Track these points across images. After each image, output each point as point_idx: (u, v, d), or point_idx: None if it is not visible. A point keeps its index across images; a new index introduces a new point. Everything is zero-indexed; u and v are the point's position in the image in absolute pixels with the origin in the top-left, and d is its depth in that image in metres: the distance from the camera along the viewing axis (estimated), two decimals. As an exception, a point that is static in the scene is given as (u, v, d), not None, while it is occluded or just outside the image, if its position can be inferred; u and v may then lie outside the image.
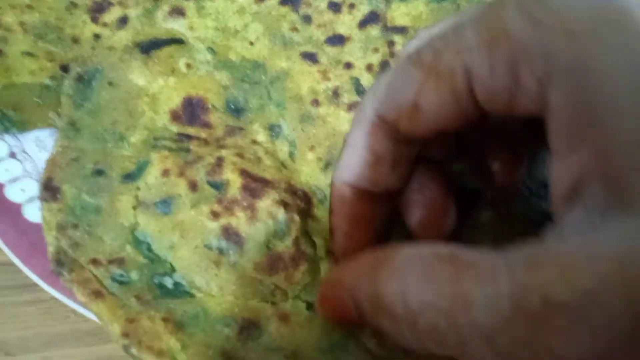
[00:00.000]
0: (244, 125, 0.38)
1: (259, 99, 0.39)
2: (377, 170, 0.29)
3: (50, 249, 0.33)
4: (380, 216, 0.31)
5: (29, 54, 0.39)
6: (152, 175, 0.35)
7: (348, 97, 0.39)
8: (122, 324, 0.31)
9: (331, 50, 0.41)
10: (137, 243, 0.33)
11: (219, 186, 0.34)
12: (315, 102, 0.39)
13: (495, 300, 0.20)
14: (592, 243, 0.20)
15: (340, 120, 0.38)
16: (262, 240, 0.33)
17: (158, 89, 0.38)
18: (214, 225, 0.33)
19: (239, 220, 0.33)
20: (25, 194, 0.37)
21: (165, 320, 0.31)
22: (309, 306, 0.33)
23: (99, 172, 0.35)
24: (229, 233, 0.33)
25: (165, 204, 0.34)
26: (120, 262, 0.33)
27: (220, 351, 0.31)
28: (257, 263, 0.33)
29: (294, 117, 0.39)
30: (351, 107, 0.39)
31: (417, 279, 0.23)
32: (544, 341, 0.19)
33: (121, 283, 0.32)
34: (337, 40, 0.41)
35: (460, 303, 0.21)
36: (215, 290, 0.32)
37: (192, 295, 0.32)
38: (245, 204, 0.33)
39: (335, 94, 0.39)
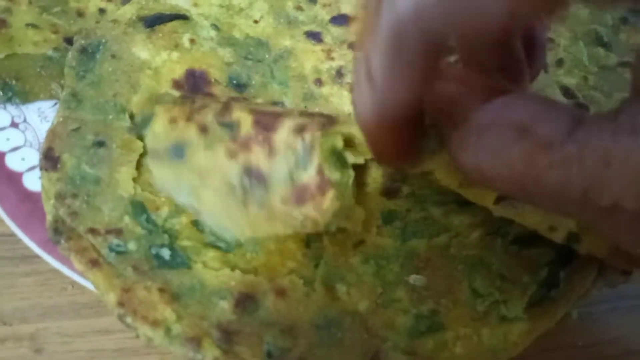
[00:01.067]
0: (247, 97, 0.38)
1: (261, 76, 0.39)
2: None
3: (49, 218, 0.33)
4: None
5: (33, 26, 0.39)
6: (159, 124, 0.35)
7: (352, 77, 0.39)
8: (118, 293, 0.31)
9: (336, 30, 0.41)
10: (136, 214, 0.33)
11: (230, 126, 0.33)
12: (319, 82, 0.39)
13: (566, 186, 0.20)
14: None
15: (344, 100, 0.38)
16: (284, 174, 0.32)
17: (161, 62, 0.38)
18: (233, 165, 0.33)
19: (258, 156, 0.32)
20: (25, 162, 0.37)
21: (161, 290, 0.31)
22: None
23: (100, 144, 0.35)
24: (250, 171, 0.33)
25: (178, 150, 0.34)
26: (118, 232, 0.33)
27: (216, 323, 0.31)
28: (284, 197, 0.32)
29: (297, 95, 0.38)
30: None
31: (490, 152, 0.22)
32: (610, 233, 0.21)
33: (118, 253, 0.32)
34: (342, 20, 0.41)
35: (533, 182, 0.21)
36: (247, 231, 0.32)
37: (189, 267, 0.32)
38: (260, 138, 0.33)
39: (339, 73, 0.39)
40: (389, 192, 0.36)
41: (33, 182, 0.36)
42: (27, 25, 0.39)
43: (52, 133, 0.35)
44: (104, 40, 0.38)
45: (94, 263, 0.32)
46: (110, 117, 0.36)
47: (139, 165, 0.35)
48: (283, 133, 0.32)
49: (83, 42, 0.38)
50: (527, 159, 0.21)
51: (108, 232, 0.33)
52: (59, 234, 0.32)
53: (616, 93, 0.40)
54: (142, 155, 0.35)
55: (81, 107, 0.36)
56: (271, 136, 0.32)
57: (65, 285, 0.38)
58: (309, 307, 0.32)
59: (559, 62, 0.41)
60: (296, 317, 0.31)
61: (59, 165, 0.34)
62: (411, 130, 0.26)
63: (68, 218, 0.33)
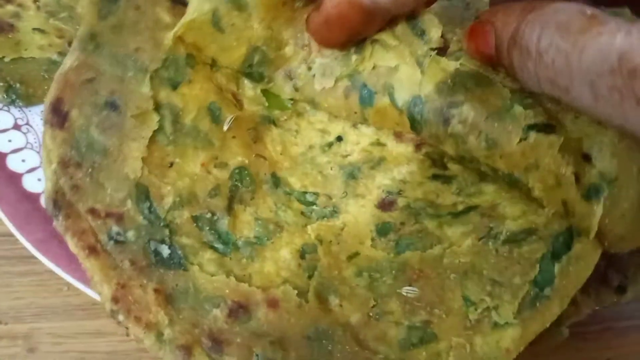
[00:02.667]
0: None
1: None
2: None
3: (48, 185, 0.32)
4: (367, 31, 0.35)
5: (40, 31, 0.40)
6: None
7: None
8: (113, 287, 0.31)
9: None
10: (139, 200, 0.33)
11: None
12: None
13: (606, 51, 0.25)
14: None
15: None
16: None
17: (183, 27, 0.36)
18: None
19: None
20: (25, 164, 0.37)
21: (156, 291, 0.31)
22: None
23: (113, 106, 0.33)
24: None
25: None
26: (118, 217, 0.32)
27: (207, 332, 0.31)
28: None
29: None
30: None
31: (555, 24, 0.27)
32: (634, 90, 0.24)
33: (117, 242, 0.32)
34: None
35: (579, 48, 0.25)
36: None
37: (185, 269, 0.32)
38: None
39: None
40: (383, 205, 0.36)
41: (32, 183, 0.37)
42: (34, 29, 0.40)
43: (64, 79, 0.33)
44: None
45: (92, 250, 0.31)
46: (130, 74, 0.34)
47: (150, 142, 0.34)
48: None
49: None
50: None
51: (108, 215, 0.32)
52: (58, 208, 0.31)
53: None
54: (156, 131, 0.34)
55: (99, 52, 0.34)
56: None
57: (61, 286, 0.38)
58: (300, 318, 0.32)
59: None
60: (287, 329, 0.31)
61: (67, 124, 0.33)
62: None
63: (69, 191, 0.32)
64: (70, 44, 0.39)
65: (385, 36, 0.34)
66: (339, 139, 0.38)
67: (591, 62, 0.25)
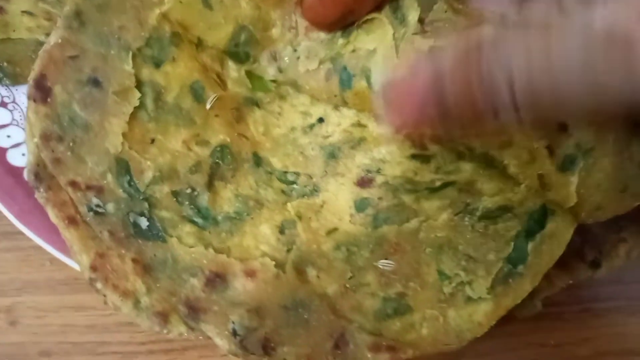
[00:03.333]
0: None
1: None
2: None
3: (30, 158, 0.32)
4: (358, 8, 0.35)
5: (28, 13, 0.40)
6: None
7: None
8: (92, 257, 0.31)
9: None
10: (119, 174, 0.33)
11: None
12: None
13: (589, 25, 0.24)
14: None
15: None
16: None
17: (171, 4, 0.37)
18: None
19: None
20: (10, 139, 0.38)
21: (134, 261, 0.31)
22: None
23: (95, 82, 0.34)
24: None
25: None
26: (99, 190, 0.33)
27: (184, 300, 0.31)
28: None
29: None
30: None
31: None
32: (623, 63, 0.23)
33: (97, 213, 0.32)
34: None
35: (554, 39, 0.24)
36: None
37: (164, 240, 0.33)
38: None
39: None
40: (362, 183, 0.36)
41: (16, 158, 0.37)
42: (23, 12, 0.40)
43: (48, 55, 0.34)
44: None
45: (71, 221, 0.32)
46: (112, 52, 0.35)
47: (132, 119, 0.34)
48: None
49: None
50: None
51: (89, 187, 0.32)
52: (39, 180, 0.32)
53: None
54: (137, 107, 0.35)
55: (83, 30, 0.35)
56: None
57: (44, 262, 0.39)
58: (278, 288, 0.32)
59: None
60: (264, 298, 0.32)
61: (49, 99, 0.33)
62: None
63: (50, 164, 0.32)
64: (57, 26, 0.40)
65: (369, 20, 0.35)
66: (321, 120, 0.39)
67: (575, 46, 0.24)
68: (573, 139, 0.31)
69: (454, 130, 0.31)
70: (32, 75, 0.33)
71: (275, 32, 0.37)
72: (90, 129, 0.33)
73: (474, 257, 0.32)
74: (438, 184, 0.35)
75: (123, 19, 0.35)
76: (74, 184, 0.32)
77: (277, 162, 0.38)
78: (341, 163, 0.37)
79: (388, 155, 0.37)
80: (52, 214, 0.32)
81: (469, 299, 0.32)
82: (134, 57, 0.35)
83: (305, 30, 0.36)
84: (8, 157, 0.37)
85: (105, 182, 0.33)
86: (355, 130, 0.38)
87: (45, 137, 0.32)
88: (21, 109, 0.39)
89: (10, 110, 0.39)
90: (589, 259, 0.35)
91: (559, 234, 0.32)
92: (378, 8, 0.35)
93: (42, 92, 0.33)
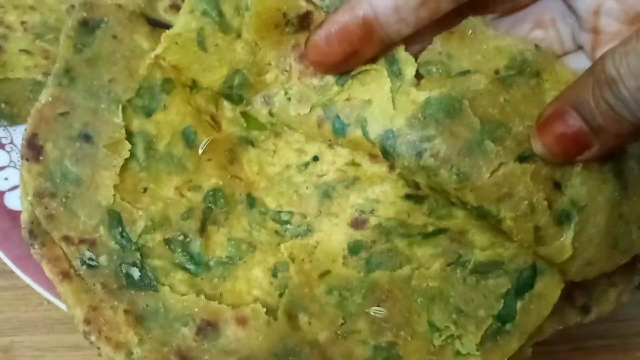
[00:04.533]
0: None
1: None
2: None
3: (24, 216, 0.33)
4: (363, 51, 0.35)
5: (26, 52, 0.41)
6: None
7: None
8: (85, 310, 0.32)
9: None
10: (112, 226, 0.34)
11: None
12: None
13: None
14: None
15: None
16: None
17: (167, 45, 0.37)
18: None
19: None
20: (8, 182, 0.39)
21: (126, 312, 0.32)
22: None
23: (86, 137, 0.34)
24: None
25: None
26: (91, 243, 0.33)
27: (176, 350, 0.32)
28: None
29: None
30: None
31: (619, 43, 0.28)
32: None
33: (89, 266, 0.33)
34: None
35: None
36: None
37: (156, 289, 0.33)
38: None
39: None
40: (356, 224, 0.37)
41: (14, 201, 0.38)
42: (21, 51, 0.41)
43: (39, 114, 0.34)
44: (106, 19, 0.37)
45: (65, 275, 0.32)
46: (103, 106, 0.35)
47: (123, 170, 0.35)
48: None
49: (85, 14, 0.36)
50: None
51: (82, 241, 0.33)
52: (34, 237, 0.33)
53: None
54: (128, 159, 0.35)
55: (73, 86, 0.35)
56: None
57: (41, 301, 0.39)
58: (269, 336, 0.32)
59: None
60: (255, 347, 0.32)
61: (41, 157, 0.34)
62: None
63: (44, 220, 0.33)
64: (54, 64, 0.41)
65: (365, 70, 0.35)
66: (315, 158, 0.39)
67: None
68: (567, 197, 0.32)
69: None
70: (25, 135, 0.34)
71: (269, 77, 0.37)
72: (81, 184, 0.34)
73: (465, 311, 0.33)
74: (431, 229, 0.36)
75: (113, 70, 0.36)
76: (67, 239, 0.33)
77: (271, 202, 0.38)
78: (335, 203, 0.38)
79: (381, 195, 0.38)
80: (47, 269, 0.32)
81: (458, 354, 0.32)
82: (124, 108, 0.35)
83: (298, 74, 0.37)
84: (5, 200, 0.38)
85: (97, 235, 0.33)
86: (349, 169, 0.39)
87: (39, 195, 0.33)
88: (19, 150, 0.40)
89: (8, 152, 0.40)
90: (578, 304, 0.36)
91: (547, 294, 0.33)
92: (373, 60, 0.35)
93: (34, 150, 0.33)
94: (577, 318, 0.36)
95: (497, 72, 0.34)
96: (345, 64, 0.35)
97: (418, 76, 0.34)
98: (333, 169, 0.39)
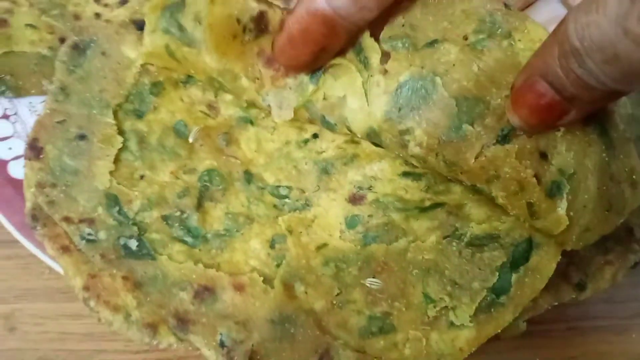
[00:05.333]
0: None
1: None
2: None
3: (28, 205, 0.35)
4: (330, 45, 0.34)
5: (32, 26, 0.42)
6: None
7: None
8: (84, 278, 0.32)
9: None
10: (109, 206, 0.35)
11: None
12: None
13: None
14: None
15: None
16: None
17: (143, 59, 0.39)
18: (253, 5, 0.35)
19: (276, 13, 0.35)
20: (12, 151, 0.39)
21: (125, 278, 0.33)
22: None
23: (82, 137, 0.37)
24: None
25: None
26: (90, 221, 0.34)
27: (173, 312, 0.32)
28: None
29: None
30: None
31: (580, 13, 0.26)
32: None
33: (89, 241, 0.34)
34: None
35: (602, 9, 0.25)
36: None
37: (153, 258, 0.34)
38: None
39: None
40: (354, 199, 0.37)
41: (17, 170, 0.39)
42: (26, 25, 0.41)
43: (39, 124, 0.37)
44: (95, 38, 0.40)
45: (65, 249, 0.33)
46: (95, 111, 0.38)
47: (116, 160, 0.36)
48: None
49: (76, 38, 0.40)
50: None
51: (81, 221, 0.34)
52: (36, 220, 0.34)
53: None
54: (121, 150, 0.37)
55: (68, 100, 0.38)
56: None
57: (43, 270, 0.40)
58: (265, 303, 0.33)
59: None
60: (252, 312, 0.33)
61: (42, 156, 0.36)
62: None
63: (46, 206, 0.34)
64: (60, 39, 0.41)
65: (336, 64, 0.35)
66: (315, 136, 0.40)
67: (615, 11, 0.25)
68: (555, 166, 0.31)
69: None
70: (27, 141, 0.37)
71: (244, 82, 0.38)
72: (79, 174, 0.36)
73: (460, 283, 0.33)
74: (428, 203, 0.36)
75: (103, 83, 0.39)
76: (67, 219, 0.34)
77: (269, 177, 0.39)
78: (334, 179, 0.38)
79: (380, 173, 0.38)
80: (48, 247, 0.34)
81: (452, 325, 0.33)
82: (115, 112, 0.38)
83: (271, 80, 0.37)
84: (9, 169, 0.39)
85: (96, 214, 0.35)
86: (348, 147, 0.39)
87: (40, 185, 0.35)
88: (23, 121, 0.41)
89: (12, 123, 0.40)
90: (574, 281, 0.36)
91: (542, 268, 0.33)
92: (342, 52, 0.34)
93: (35, 151, 0.36)
94: (573, 294, 0.36)
95: (465, 37, 0.33)
96: (315, 61, 0.34)
97: (385, 55, 0.33)
98: (332, 147, 0.39)
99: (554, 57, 0.28)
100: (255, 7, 0.35)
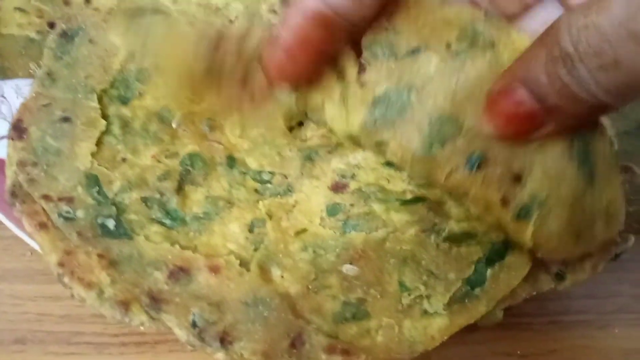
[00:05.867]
0: None
1: None
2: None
3: (8, 182, 0.35)
4: (331, 50, 0.32)
5: (21, 10, 0.42)
6: None
7: None
8: (60, 255, 0.33)
9: None
10: (89, 186, 0.35)
11: None
12: None
13: None
14: None
15: None
16: None
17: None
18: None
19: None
20: (-5, 132, 0.40)
21: (100, 256, 0.33)
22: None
23: (65, 119, 0.37)
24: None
25: None
26: (69, 200, 0.34)
27: (147, 291, 0.32)
28: None
29: None
30: None
31: (576, 17, 0.25)
32: None
33: (66, 219, 0.34)
34: None
35: (604, 11, 0.24)
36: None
37: (130, 238, 0.34)
38: None
39: None
40: (336, 187, 0.37)
41: (1, 150, 0.39)
42: (15, 8, 0.42)
43: (24, 107, 0.37)
44: (83, 26, 0.41)
45: (42, 226, 0.33)
46: (80, 96, 0.38)
47: (99, 143, 0.37)
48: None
49: (64, 26, 0.40)
50: None
51: (60, 199, 0.34)
52: (15, 197, 0.34)
53: None
54: (104, 133, 0.37)
55: (54, 85, 0.38)
56: None
57: (24, 252, 0.40)
58: (240, 285, 0.33)
59: None
60: (226, 294, 0.33)
61: (25, 136, 0.36)
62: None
63: (26, 184, 0.35)
64: (48, 24, 0.42)
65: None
66: (300, 124, 0.40)
67: (623, 12, 0.23)
68: (527, 190, 0.30)
69: None
70: (11, 122, 0.37)
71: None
72: (61, 154, 0.36)
73: (435, 273, 0.33)
74: (409, 196, 0.36)
75: (89, 69, 0.40)
76: (46, 197, 0.34)
77: (252, 162, 0.39)
78: (317, 166, 0.38)
79: (363, 161, 0.38)
80: (26, 223, 0.34)
81: (425, 313, 0.33)
82: (100, 97, 0.39)
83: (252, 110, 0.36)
84: (-8, 149, 0.39)
85: (75, 193, 0.35)
86: (333, 136, 0.39)
87: (22, 164, 0.35)
88: (9, 103, 0.41)
89: (-2, 104, 0.41)
90: (553, 271, 0.36)
91: (517, 267, 0.34)
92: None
93: (18, 131, 0.37)
94: (551, 284, 0.36)
95: (448, 45, 0.31)
96: (316, 72, 0.32)
97: (362, 66, 0.32)
98: (317, 135, 0.40)
99: (540, 63, 0.26)
100: (211, 35, 0.34)
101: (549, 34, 0.26)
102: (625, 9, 0.23)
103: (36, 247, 0.37)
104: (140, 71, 0.40)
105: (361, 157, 0.38)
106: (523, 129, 0.28)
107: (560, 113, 0.27)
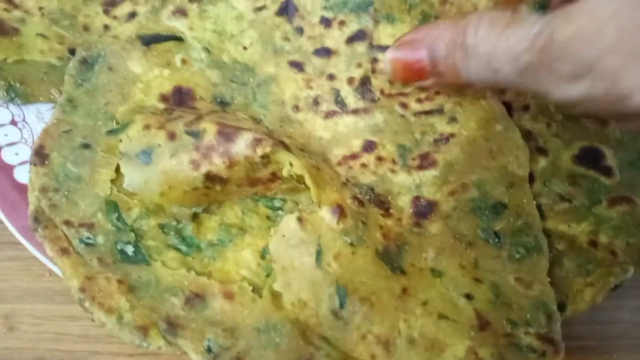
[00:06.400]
0: (229, 111, 0.41)
1: (244, 98, 0.42)
2: None
3: (31, 207, 0.36)
4: None
5: (42, 36, 0.43)
6: (134, 129, 0.38)
7: (327, 106, 0.42)
8: (81, 280, 0.34)
9: (317, 62, 0.44)
10: (109, 212, 0.37)
11: (196, 134, 0.37)
12: (296, 108, 0.42)
13: (525, 35, 0.32)
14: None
15: (316, 126, 0.41)
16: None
17: (152, 77, 0.41)
18: (196, 174, 0.36)
19: (218, 167, 0.36)
20: (18, 157, 0.41)
21: (119, 282, 0.34)
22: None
23: (86, 146, 0.38)
24: (211, 177, 0.36)
25: (145, 154, 0.37)
26: (90, 226, 0.36)
27: (164, 317, 0.33)
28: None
29: (275, 118, 0.42)
30: (328, 115, 0.42)
31: (488, 20, 0.34)
32: (547, 62, 0.31)
33: (87, 245, 0.35)
34: (325, 52, 0.44)
35: (506, 35, 0.32)
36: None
37: (148, 264, 0.35)
38: (221, 150, 0.36)
39: (316, 102, 0.42)
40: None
41: (23, 175, 0.40)
42: (37, 35, 0.43)
43: (46, 133, 0.39)
44: (103, 54, 0.42)
45: (64, 251, 0.35)
46: (100, 123, 0.39)
47: (118, 169, 0.38)
48: (241, 145, 0.36)
49: (84, 53, 0.42)
50: None
51: (81, 225, 0.36)
52: (38, 222, 0.36)
53: (576, 142, 0.42)
54: None
55: (75, 111, 0.40)
56: (230, 148, 0.36)
57: (44, 272, 0.41)
58: (253, 311, 0.34)
59: (526, 108, 0.44)
60: (240, 320, 0.34)
61: (47, 162, 0.37)
62: None
63: (48, 209, 0.36)
64: (69, 50, 0.43)
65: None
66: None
67: (516, 42, 0.32)
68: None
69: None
70: (33, 147, 0.38)
71: None
72: (82, 180, 0.38)
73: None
74: None
75: (109, 96, 0.41)
76: (68, 223, 0.36)
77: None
78: None
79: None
80: (48, 248, 0.35)
81: None
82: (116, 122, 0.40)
83: None
84: (15, 174, 0.40)
85: (96, 219, 0.36)
86: None
87: (44, 189, 0.37)
88: (30, 128, 0.42)
89: (20, 129, 0.42)
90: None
91: None
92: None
93: (40, 157, 0.38)
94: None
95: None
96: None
97: None
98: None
99: (445, 41, 0.35)
100: (197, 176, 0.36)
101: (462, 22, 0.34)
102: (521, 37, 0.32)
103: (54, 268, 0.38)
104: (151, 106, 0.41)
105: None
106: (412, 78, 0.39)
107: (441, 77, 0.37)
